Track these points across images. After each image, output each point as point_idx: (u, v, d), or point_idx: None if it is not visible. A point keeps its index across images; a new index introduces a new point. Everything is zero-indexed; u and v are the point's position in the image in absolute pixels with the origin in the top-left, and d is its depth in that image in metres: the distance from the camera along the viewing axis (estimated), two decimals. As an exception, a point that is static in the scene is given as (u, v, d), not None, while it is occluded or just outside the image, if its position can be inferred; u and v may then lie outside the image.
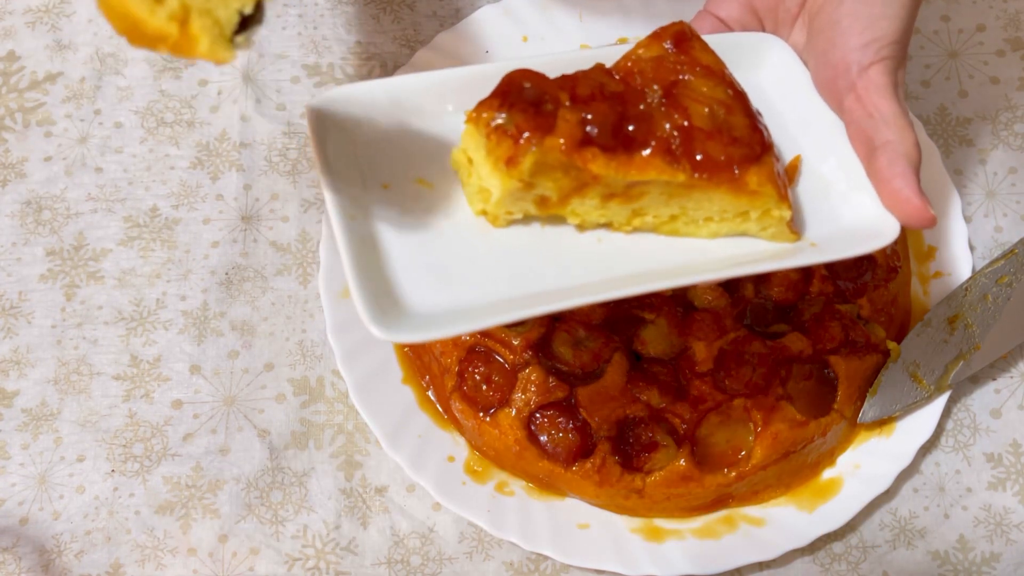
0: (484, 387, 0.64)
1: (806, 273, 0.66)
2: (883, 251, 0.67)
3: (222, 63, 0.45)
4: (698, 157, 0.47)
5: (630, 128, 0.47)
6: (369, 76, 0.77)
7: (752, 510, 0.64)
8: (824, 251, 0.49)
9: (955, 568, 0.64)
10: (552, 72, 0.49)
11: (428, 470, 0.63)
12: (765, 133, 0.49)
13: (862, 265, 0.67)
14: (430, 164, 0.51)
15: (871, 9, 0.50)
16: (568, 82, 0.48)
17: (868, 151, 0.50)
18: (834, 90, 0.51)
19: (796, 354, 0.64)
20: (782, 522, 0.63)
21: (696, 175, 0.47)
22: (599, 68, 0.49)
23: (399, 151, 0.52)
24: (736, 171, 0.47)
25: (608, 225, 0.51)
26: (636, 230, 0.51)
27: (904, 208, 0.48)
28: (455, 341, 0.64)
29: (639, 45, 0.50)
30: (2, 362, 0.68)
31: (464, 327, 0.45)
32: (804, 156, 0.53)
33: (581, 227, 0.51)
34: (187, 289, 0.70)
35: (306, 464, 0.66)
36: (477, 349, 0.64)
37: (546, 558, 0.63)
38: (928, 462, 0.66)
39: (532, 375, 0.63)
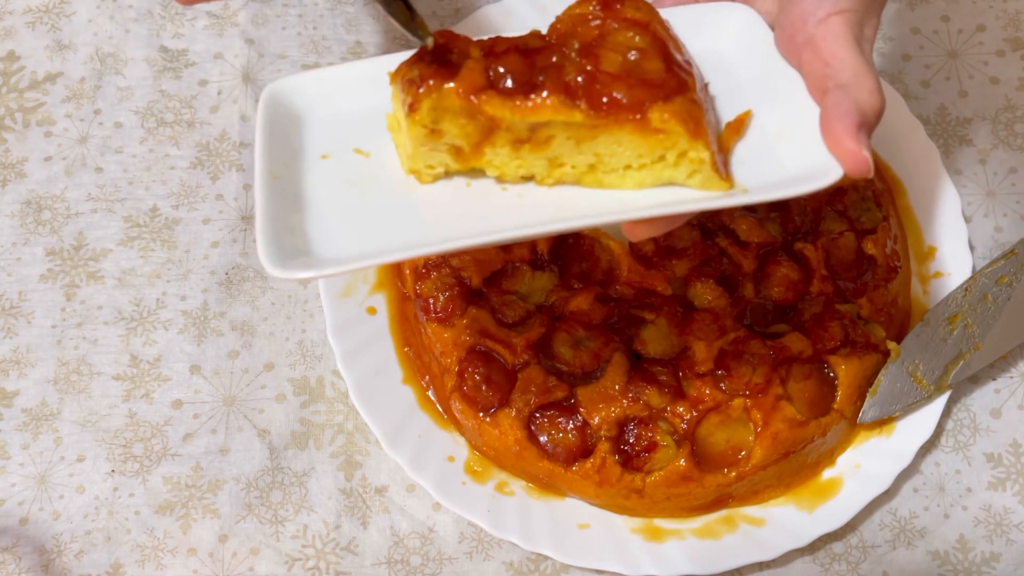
0: (484, 387, 0.64)
1: (806, 273, 0.66)
2: (883, 251, 0.67)
3: None
4: (600, 98, 0.47)
5: (539, 79, 0.47)
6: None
7: (752, 510, 0.64)
8: (755, 193, 0.48)
9: (955, 568, 0.64)
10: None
11: (428, 470, 0.63)
12: (682, 75, 0.48)
13: (862, 265, 0.67)
14: (369, 135, 0.53)
15: None
16: (488, 41, 0.49)
17: (822, 95, 0.49)
18: (793, 46, 0.50)
19: (796, 354, 0.64)
20: (782, 522, 0.63)
21: (593, 112, 0.46)
22: (533, 33, 0.50)
23: (343, 127, 0.54)
24: (640, 111, 0.46)
25: (531, 179, 0.51)
26: (559, 182, 0.50)
27: (839, 148, 0.46)
28: (455, 341, 0.64)
29: (571, 6, 0.50)
30: (2, 362, 0.68)
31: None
32: (756, 111, 0.52)
33: (501, 179, 0.51)
34: (187, 289, 0.70)
35: (306, 464, 0.66)
36: (477, 349, 0.64)
37: (546, 558, 0.63)
38: (928, 462, 0.66)
39: (532, 375, 0.63)
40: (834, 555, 0.64)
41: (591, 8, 0.50)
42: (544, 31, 0.50)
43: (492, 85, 0.47)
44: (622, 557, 0.61)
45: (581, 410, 0.62)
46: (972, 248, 0.70)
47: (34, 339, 0.69)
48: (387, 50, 0.77)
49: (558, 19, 0.50)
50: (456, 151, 0.50)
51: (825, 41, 0.48)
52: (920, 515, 0.65)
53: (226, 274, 0.71)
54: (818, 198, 0.69)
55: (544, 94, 0.47)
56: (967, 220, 0.71)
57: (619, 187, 0.50)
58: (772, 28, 0.53)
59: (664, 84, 0.47)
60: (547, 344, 0.64)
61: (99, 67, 0.77)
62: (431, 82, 0.47)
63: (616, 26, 0.49)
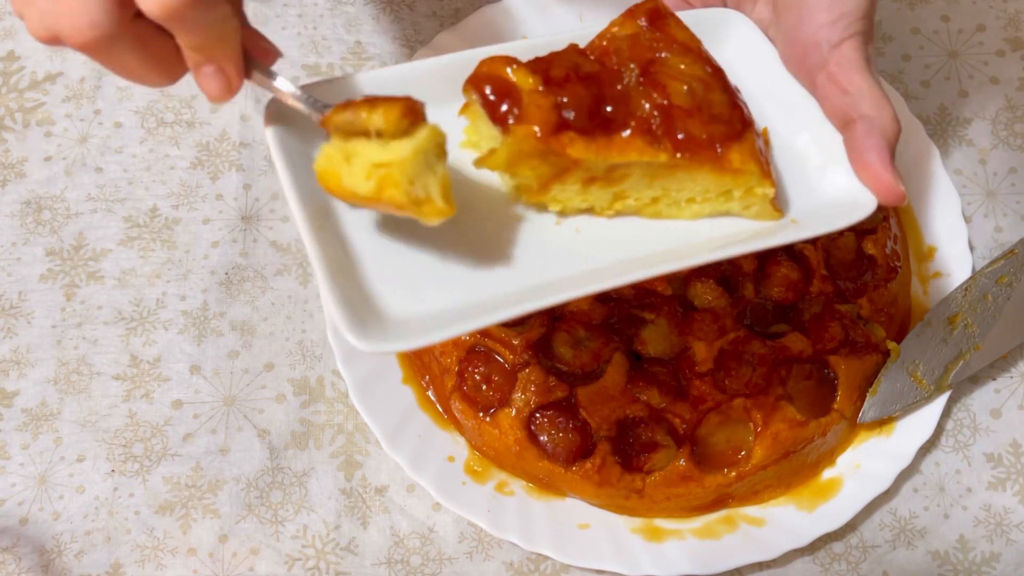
0: (484, 387, 0.64)
1: (806, 273, 0.66)
2: (883, 251, 0.67)
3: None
4: (679, 136, 0.46)
5: (608, 109, 0.46)
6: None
7: (752, 510, 0.64)
8: (804, 227, 0.48)
9: (955, 568, 0.64)
10: (527, 56, 0.48)
11: (428, 470, 0.63)
12: (745, 109, 0.48)
13: (862, 265, 0.67)
14: None
15: None
16: (541, 64, 0.46)
17: (844, 125, 0.49)
18: (805, 68, 0.51)
19: (796, 354, 0.64)
20: (782, 522, 0.63)
21: (678, 155, 0.46)
22: (572, 48, 0.48)
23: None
24: (718, 149, 0.46)
25: (590, 210, 0.49)
26: (618, 214, 0.50)
27: (875, 182, 0.48)
28: (455, 341, 0.64)
29: (613, 24, 0.49)
30: (2, 362, 0.68)
31: (447, 333, 0.44)
32: (774, 130, 0.52)
33: (562, 213, 0.49)
34: (187, 289, 0.70)
35: (306, 464, 0.66)
36: (477, 349, 0.64)
37: (546, 558, 0.63)
38: (928, 462, 0.66)
39: (532, 375, 0.63)
40: (834, 555, 0.64)
41: (639, 25, 0.49)
42: (581, 45, 0.49)
43: (568, 124, 0.45)
44: (622, 557, 0.61)
45: (581, 410, 0.62)
46: (972, 248, 0.70)
47: (34, 339, 0.69)
48: (388, 51, 0.77)
49: (600, 36, 0.49)
50: (523, 189, 0.48)
51: (841, 68, 0.49)
52: (920, 515, 0.65)
53: (226, 274, 0.71)
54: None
55: (626, 134, 0.45)
56: (967, 220, 0.71)
57: (677, 217, 0.49)
58: (771, 39, 0.53)
59: (732, 119, 0.47)
60: (547, 344, 0.64)
61: (99, 67, 0.77)
62: (509, 121, 0.45)
63: (667, 53, 0.48)
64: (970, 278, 0.68)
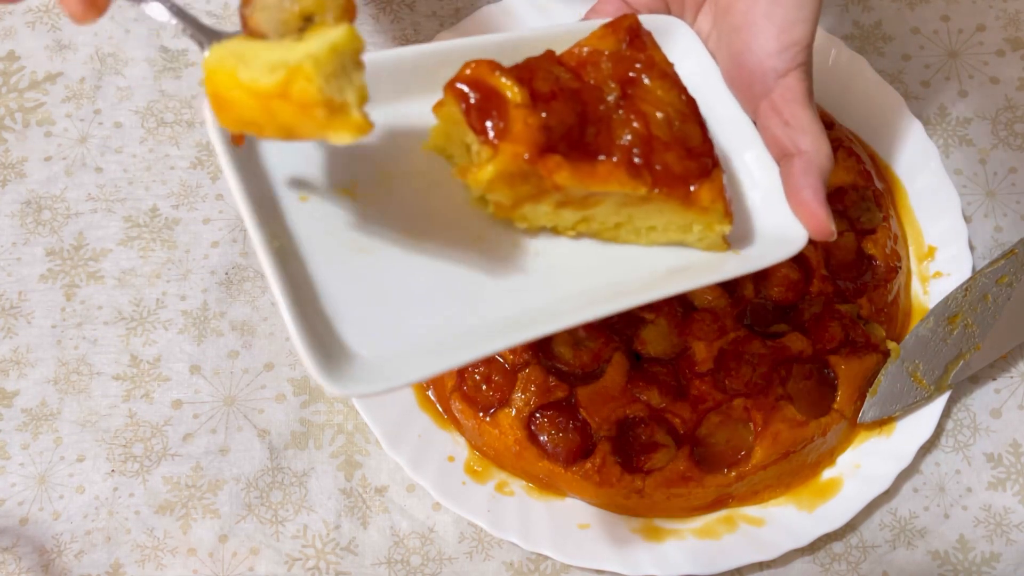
0: (484, 387, 0.64)
1: (806, 273, 0.66)
2: (883, 251, 0.67)
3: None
4: (658, 168, 0.45)
5: (590, 131, 0.45)
6: (369, 76, 0.77)
7: (752, 510, 0.64)
8: (746, 261, 0.48)
9: (955, 568, 0.64)
10: (501, 57, 0.46)
11: (428, 470, 0.63)
12: (715, 144, 0.48)
13: (862, 265, 0.67)
14: (346, 165, 0.47)
15: (786, 12, 0.49)
16: (525, 74, 0.45)
17: (781, 155, 0.50)
18: (749, 93, 0.51)
19: (796, 354, 0.64)
20: (782, 522, 0.63)
21: (656, 190, 0.46)
22: (549, 56, 0.47)
23: (317, 155, 0.47)
24: (692, 187, 0.46)
25: (553, 228, 0.49)
26: (579, 235, 0.49)
27: (810, 219, 0.48)
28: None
29: (593, 35, 0.49)
30: (2, 362, 0.68)
31: (414, 376, 0.42)
32: (720, 157, 0.51)
33: (526, 230, 0.49)
34: (187, 289, 0.70)
35: (306, 464, 0.66)
36: (477, 349, 0.64)
37: (546, 558, 0.63)
38: (928, 462, 0.66)
39: (532, 375, 0.63)
40: (834, 555, 0.64)
41: (619, 42, 0.48)
42: (557, 52, 0.48)
43: (554, 146, 0.44)
44: (622, 557, 0.61)
45: (581, 410, 0.62)
46: (972, 248, 0.70)
47: (34, 339, 0.69)
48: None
49: (578, 45, 0.48)
50: (493, 204, 0.47)
51: (784, 99, 0.49)
52: (920, 515, 0.65)
53: (226, 274, 0.71)
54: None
55: (612, 163, 0.45)
56: (967, 220, 0.71)
57: (633, 243, 0.49)
58: (712, 53, 0.53)
59: (704, 155, 0.47)
60: (547, 344, 0.64)
61: (99, 67, 0.77)
62: (485, 139, 0.43)
63: (646, 76, 0.47)
64: (970, 278, 0.68)
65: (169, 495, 0.65)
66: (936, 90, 0.77)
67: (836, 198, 0.69)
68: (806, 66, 0.50)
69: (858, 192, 0.69)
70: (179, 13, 0.44)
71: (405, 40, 0.78)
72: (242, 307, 0.70)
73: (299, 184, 0.46)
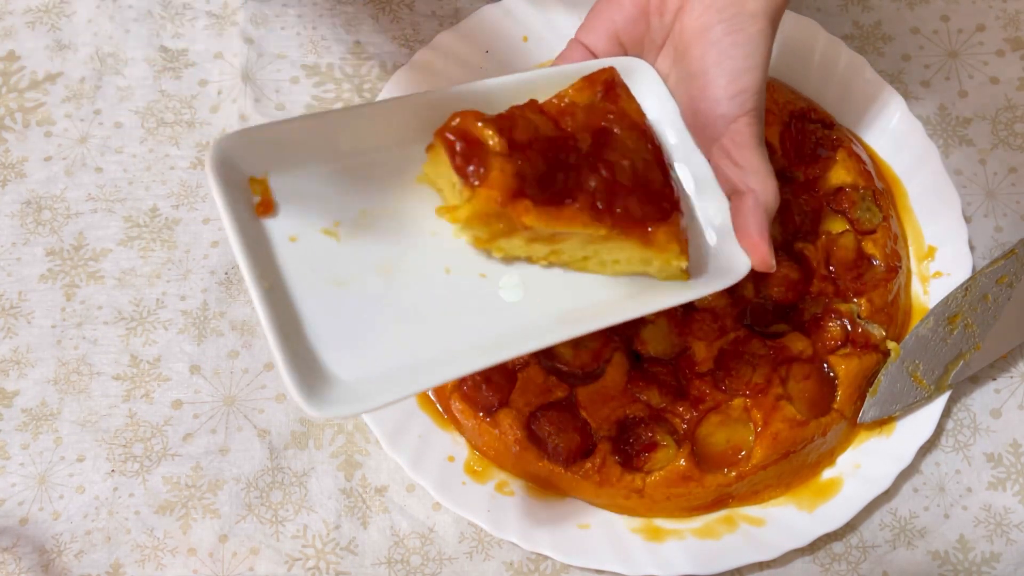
0: (484, 387, 0.64)
1: (806, 273, 0.66)
2: (883, 251, 0.67)
3: None
4: (618, 211, 0.51)
5: (560, 177, 0.50)
6: (367, 76, 0.77)
7: (752, 510, 0.64)
8: (695, 287, 0.54)
9: (955, 568, 0.64)
10: (487, 102, 0.52)
11: (428, 470, 0.63)
12: (675, 188, 0.53)
13: (862, 265, 0.67)
14: (331, 210, 0.51)
15: (735, 62, 0.53)
16: (506, 124, 0.50)
17: (732, 192, 0.54)
18: (703, 136, 0.55)
19: (796, 354, 0.64)
20: (782, 522, 0.63)
21: (614, 230, 0.51)
22: (532, 104, 0.52)
23: (305, 197, 0.51)
24: (649, 229, 0.51)
25: (527, 258, 0.53)
26: (551, 264, 0.54)
27: (754, 251, 0.53)
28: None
29: (572, 87, 0.53)
30: (2, 362, 0.68)
31: (390, 397, 0.46)
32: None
33: (503, 259, 0.53)
34: (187, 289, 0.70)
35: (306, 464, 0.66)
36: (477, 349, 0.64)
37: (546, 558, 0.63)
38: (928, 462, 0.66)
39: (532, 375, 0.63)
40: (834, 555, 0.64)
41: (595, 95, 0.53)
42: (540, 100, 0.53)
43: (524, 192, 0.49)
44: (622, 557, 0.61)
45: (581, 410, 0.62)
46: (972, 248, 0.70)
47: (34, 339, 0.69)
48: (387, 50, 0.77)
49: (559, 96, 0.53)
50: (473, 239, 0.52)
51: (734, 143, 0.54)
52: (920, 515, 0.65)
53: (226, 274, 0.71)
54: (818, 198, 0.69)
55: (576, 207, 0.50)
56: (967, 220, 0.71)
57: (600, 273, 0.54)
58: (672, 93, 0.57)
59: (663, 199, 0.52)
60: (547, 344, 0.64)
61: (99, 67, 0.77)
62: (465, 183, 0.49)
63: (617, 128, 0.52)
64: (970, 278, 0.68)
65: (169, 495, 0.65)
66: (936, 90, 0.77)
67: (836, 198, 0.69)
68: (756, 111, 0.54)
69: (858, 192, 0.69)
70: None
71: (405, 40, 0.78)
72: (242, 307, 0.70)
73: (291, 226, 0.50)
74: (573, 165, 0.51)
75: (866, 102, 0.73)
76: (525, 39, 0.75)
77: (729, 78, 0.53)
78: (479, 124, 0.50)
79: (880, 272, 0.67)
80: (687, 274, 0.54)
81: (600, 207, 0.50)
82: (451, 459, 0.64)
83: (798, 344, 0.64)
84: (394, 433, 0.64)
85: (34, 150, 0.74)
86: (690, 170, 0.56)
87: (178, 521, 0.64)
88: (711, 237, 0.55)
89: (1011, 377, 0.68)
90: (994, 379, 0.68)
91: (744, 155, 0.54)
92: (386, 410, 0.65)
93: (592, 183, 0.51)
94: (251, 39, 0.78)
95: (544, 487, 0.64)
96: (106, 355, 0.69)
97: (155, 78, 0.77)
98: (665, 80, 0.57)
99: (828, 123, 0.71)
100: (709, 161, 0.55)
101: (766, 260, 0.53)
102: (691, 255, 0.53)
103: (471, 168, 0.49)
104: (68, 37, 0.78)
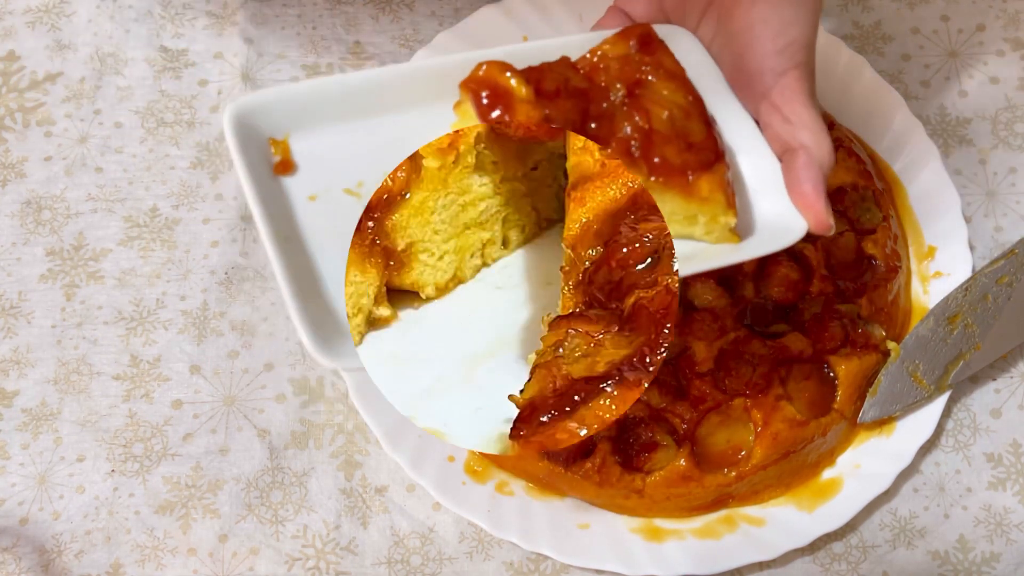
0: (484, 387, 0.64)
1: (806, 273, 0.66)
2: (883, 251, 0.67)
3: None
4: (655, 160, 0.48)
5: (592, 126, 0.48)
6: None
7: (752, 510, 0.64)
8: (746, 249, 0.51)
9: (955, 568, 0.64)
10: (520, 61, 0.50)
11: (428, 470, 0.63)
12: (719, 141, 0.50)
13: (862, 265, 0.67)
14: (353, 170, 0.51)
15: (782, 14, 0.51)
16: (534, 74, 0.48)
17: (783, 151, 0.51)
18: (750, 94, 0.52)
19: (796, 354, 0.64)
20: (782, 522, 0.63)
21: (652, 178, 0.48)
22: (564, 61, 0.50)
23: (325, 158, 0.51)
24: (690, 177, 0.48)
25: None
26: None
27: (810, 210, 0.50)
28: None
29: (605, 41, 0.51)
30: (2, 362, 0.68)
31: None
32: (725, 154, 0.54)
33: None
34: (187, 289, 0.70)
35: (306, 464, 0.66)
36: (477, 349, 0.64)
37: (546, 558, 0.63)
38: (928, 462, 0.66)
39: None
40: (834, 555, 0.64)
41: (629, 47, 0.51)
42: (573, 56, 0.51)
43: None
44: (622, 557, 0.61)
45: (581, 410, 0.62)
46: (972, 248, 0.70)
47: (34, 339, 0.69)
48: (387, 50, 0.77)
49: (592, 51, 0.51)
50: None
51: (784, 97, 0.51)
52: (920, 515, 0.65)
53: (226, 274, 0.71)
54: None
55: (609, 152, 0.48)
56: (967, 220, 0.71)
57: None
58: (716, 59, 0.55)
59: (706, 149, 0.49)
60: (547, 344, 0.64)
61: (99, 67, 0.77)
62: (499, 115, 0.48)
63: (653, 77, 0.50)
64: (970, 278, 0.68)
65: (169, 495, 0.65)
66: (936, 90, 0.77)
67: (836, 198, 0.69)
68: (806, 65, 0.51)
69: (858, 192, 0.69)
70: None
71: (405, 40, 0.78)
72: (242, 307, 0.70)
73: (310, 185, 0.49)
74: (605, 114, 0.49)
75: (866, 102, 0.73)
76: (525, 39, 0.75)
77: (777, 30, 0.51)
78: (506, 74, 0.48)
79: (880, 272, 0.67)
80: (737, 236, 0.51)
81: (636, 154, 0.48)
82: (451, 459, 0.64)
83: (798, 344, 0.64)
84: (394, 433, 0.64)
85: (34, 150, 0.74)
86: (736, 131, 0.53)
87: (178, 521, 0.64)
88: (762, 199, 0.52)
89: (1011, 377, 0.68)
90: (994, 379, 0.68)
91: (795, 110, 0.51)
92: (386, 410, 0.65)
93: (627, 129, 0.48)
94: (251, 39, 0.78)
95: (544, 487, 0.64)
96: (106, 355, 0.69)
97: (155, 78, 0.77)
98: (708, 48, 0.55)
99: (828, 123, 0.71)
100: (758, 121, 0.52)
101: (823, 220, 0.50)
102: (740, 217, 0.50)
103: (496, 115, 0.47)
104: (68, 37, 0.78)
